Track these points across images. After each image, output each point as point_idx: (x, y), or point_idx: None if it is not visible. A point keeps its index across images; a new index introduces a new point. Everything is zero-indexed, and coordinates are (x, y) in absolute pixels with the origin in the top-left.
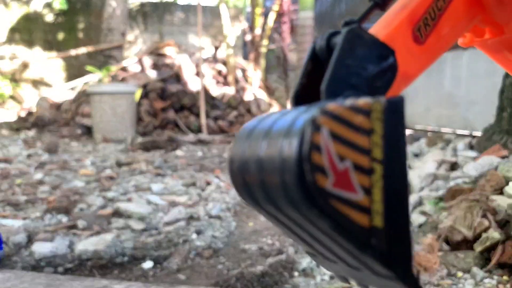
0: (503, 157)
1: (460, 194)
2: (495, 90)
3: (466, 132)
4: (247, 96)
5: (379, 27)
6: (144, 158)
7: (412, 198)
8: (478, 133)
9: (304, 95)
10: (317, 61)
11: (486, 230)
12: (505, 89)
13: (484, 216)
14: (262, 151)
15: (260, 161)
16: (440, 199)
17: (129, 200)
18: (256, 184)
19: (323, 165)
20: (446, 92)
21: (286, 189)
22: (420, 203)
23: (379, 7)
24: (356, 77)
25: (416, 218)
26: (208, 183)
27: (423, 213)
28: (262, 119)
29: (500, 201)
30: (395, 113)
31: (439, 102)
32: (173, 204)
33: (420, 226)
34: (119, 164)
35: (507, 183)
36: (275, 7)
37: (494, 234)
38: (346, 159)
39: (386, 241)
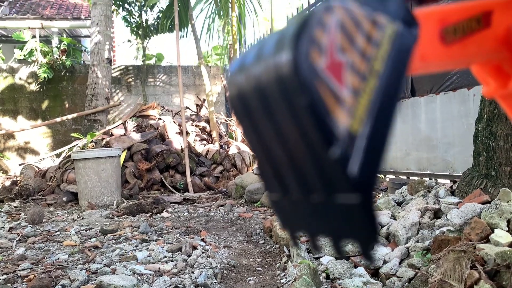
0: (484, 203)
1: (446, 244)
2: (470, 131)
3: (446, 173)
4: (232, 150)
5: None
6: (130, 223)
7: (399, 251)
8: (459, 173)
9: None
10: None
11: (476, 282)
12: (479, 134)
13: (473, 267)
14: (259, 63)
15: (258, 74)
16: (427, 250)
17: (113, 272)
18: (254, 96)
19: (322, 43)
20: (423, 136)
21: (279, 70)
22: (407, 255)
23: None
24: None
25: (405, 272)
26: (195, 248)
27: (412, 266)
28: (251, 48)
29: (488, 250)
30: (405, 42)
31: (417, 146)
32: (158, 273)
33: (410, 280)
34: (104, 232)
35: (492, 230)
36: None
37: (486, 286)
38: (346, 54)
39: (357, 149)
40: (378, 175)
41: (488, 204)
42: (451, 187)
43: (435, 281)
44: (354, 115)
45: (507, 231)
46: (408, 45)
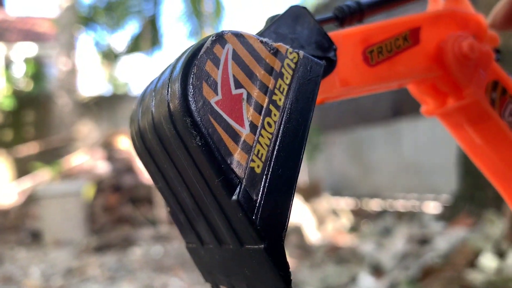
0: (470, 226)
1: (433, 272)
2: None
3: (432, 196)
4: None
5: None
6: (98, 261)
7: (385, 281)
8: (444, 195)
9: None
10: None
11: None
12: (462, 157)
13: None
14: (154, 94)
15: (151, 106)
16: (415, 278)
17: None
18: (151, 133)
19: (215, 79)
20: (408, 160)
21: (170, 105)
22: (393, 286)
23: (337, 20)
24: (289, 46)
25: None
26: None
27: None
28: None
29: (475, 275)
30: (309, 71)
31: (402, 170)
32: None
33: None
34: (70, 271)
35: (478, 255)
36: None
37: None
38: (242, 87)
39: (260, 190)
40: (287, 217)
41: (473, 228)
42: (436, 212)
43: None
44: (255, 153)
45: (493, 253)
46: (314, 74)
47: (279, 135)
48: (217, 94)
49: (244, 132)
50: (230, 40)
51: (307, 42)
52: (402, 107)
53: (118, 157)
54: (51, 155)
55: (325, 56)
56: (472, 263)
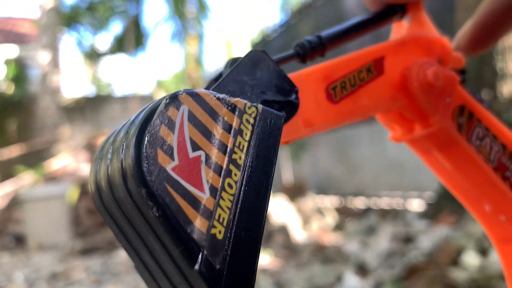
0: (452, 224)
1: (417, 271)
2: None
3: (416, 194)
4: None
5: (296, 72)
6: (83, 265)
7: (370, 280)
8: (428, 193)
9: None
10: None
11: None
12: None
13: None
14: (110, 152)
15: (108, 165)
16: (399, 277)
17: None
18: (108, 194)
19: (170, 144)
20: (392, 159)
21: (124, 173)
22: (378, 285)
23: (299, 57)
24: (249, 95)
25: None
26: None
27: None
28: (114, 131)
29: (458, 274)
30: (270, 125)
31: (386, 169)
32: None
33: None
34: (55, 276)
35: (460, 253)
36: None
37: None
38: (200, 149)
39: (223, 257)
40: (252, 282)
41: (456, 225)
42: (420, 211)
43: None
44: (216, 218)
45: (475, 251)
46: (275, 127)
47: (241, 196)
48: (173, 160)
49: (204, 196)
50: (185, 100)
51: (267, 87)
52: None
53: None
54: (34, 158)
55: (286, 100)
56: (455, 261)
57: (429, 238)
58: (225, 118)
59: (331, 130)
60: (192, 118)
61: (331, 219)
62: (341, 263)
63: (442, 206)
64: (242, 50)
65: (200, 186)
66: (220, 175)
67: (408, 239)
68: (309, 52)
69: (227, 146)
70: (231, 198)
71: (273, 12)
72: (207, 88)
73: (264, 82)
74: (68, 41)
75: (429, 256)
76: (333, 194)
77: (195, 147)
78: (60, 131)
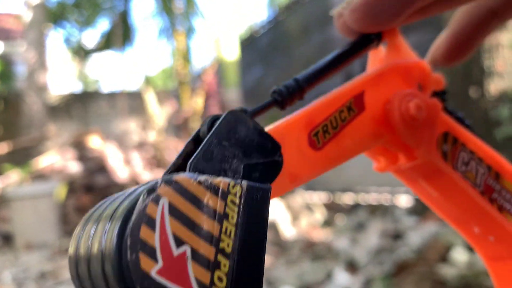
0: (440, 221)
1: (406, 267)
2: None
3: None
4: None
5: (275, 124)
6: None
7: (360, 277)
8: None
9: None
10: (199, 143)
11: None
12: None
13: None
14: (90, 239)
15: (88, 251)
16: (388, 274)
17: None
18: (86, 277)
19: (152, 245)
20: None
21: (106, 276)
22: (368, 281)
23: (278, 104)
24: (231, 161)
25: None
26: None
27: None
28: (103, 202)
29: (447, 270)
30: (257, 201)
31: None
32: None
33: None
34: (43, 275)
35: (449, 249)
36: (203, 88)
37: None
38: (184, 243)
39: None
40: None
41: (444, 223)
42: (408, 206)
43: None
44: None
45: (464, 248)
46: (263, 202)
47: (233, 284)
48: (157, 262)
49: None
50: (164, 192)
51: (249, 149)
52: None
53: (90, 156)
54: (21, 156)
55: (271, 160)
56: (444, 257)
57: (418, 234)
58: (209, 204)
59: None
60: (173, 211)
61: (320, 215)
62: (331, 260)
63: None
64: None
65: (188, 286)
66: (208, 270)
67: (397, 236)
68: (287, 97)
69: (213, 235)
70: None
71: (261, 9)
72: (185, 151)
73: (245, 145)
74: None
75: (418, 253)
76: (321, 190)
77: (179, 242)
78: (47, 129)
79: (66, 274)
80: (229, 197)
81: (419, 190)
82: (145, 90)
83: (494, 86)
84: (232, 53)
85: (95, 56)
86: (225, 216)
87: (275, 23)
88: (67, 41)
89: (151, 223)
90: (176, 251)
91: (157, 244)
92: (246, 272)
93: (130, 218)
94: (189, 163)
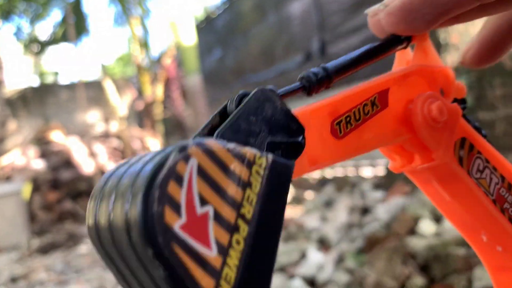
0: (407, 194)
1: (377, 242)
2: None
3: (368, 163)
4: None
5: (301, 107)
6: (44, 264)
7: (332, 255)
8: (381, 161)
9: None
10: (225, 117)
11: (409, 277)
12: None
13: (405, 262)
14: (113, 195)
15: (110, 211)
16: (360, 250)
17: None
18: (109, 242)
19: (178, 200)
20: None
21: (129, 231)
22: (341, 259)
23: (305, 90)
24: (256, 136)
25: (340, 277)
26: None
27: (347, 270)
28: (121, 165)
29: (416, 242)
30: (280, 175)
31: None
32: None
33: (348, 285)
34: (14, 279)
35: (417, 222)
36: (162, 73)
37: (417, 280)
38: (208, 204)
39: None
40: None
41: (410, 195)
42: (374, 181)
43: (370, 283)
44: (223, 277)
45: (430, 219)
46: (284, 178)
47: (248, 252)
48: (181, 217)
49: (212, 255)
50: (194, 153)
51: (275, 128)
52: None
53: (53, 151)
54: None
55: (294, 141)
56: (412, 230)
57: (386, 208)
58: (235, 171)
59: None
60: (201, 172)
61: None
62: (303, 239)
63: (396, 176)
64: (186, 29)
65: (207, 244)
66: (228, 231)
67: (365, 210)
68: (315, 85)
69: (236, 200)
70: (239, 255)
71: None
72: (211, 123)
73: (272, 123)
74: (7, 32)
75: (387, 227)
76: None
77: (203, 202)
78: (5, 126)
79: (38, 276)
80: (254, 167)
81: (431, 193)
82: (103, 79)
83: (450, 58)
84: (190, 38)
85: (50, 48)
86: (249, 184)
87: (230, 3)
88: (19, 35)
89: (179, 180)
90: (199, 210)
91: (182, 201)
92: (264, 239)
93: (159, 173)
94: (216, 132)
